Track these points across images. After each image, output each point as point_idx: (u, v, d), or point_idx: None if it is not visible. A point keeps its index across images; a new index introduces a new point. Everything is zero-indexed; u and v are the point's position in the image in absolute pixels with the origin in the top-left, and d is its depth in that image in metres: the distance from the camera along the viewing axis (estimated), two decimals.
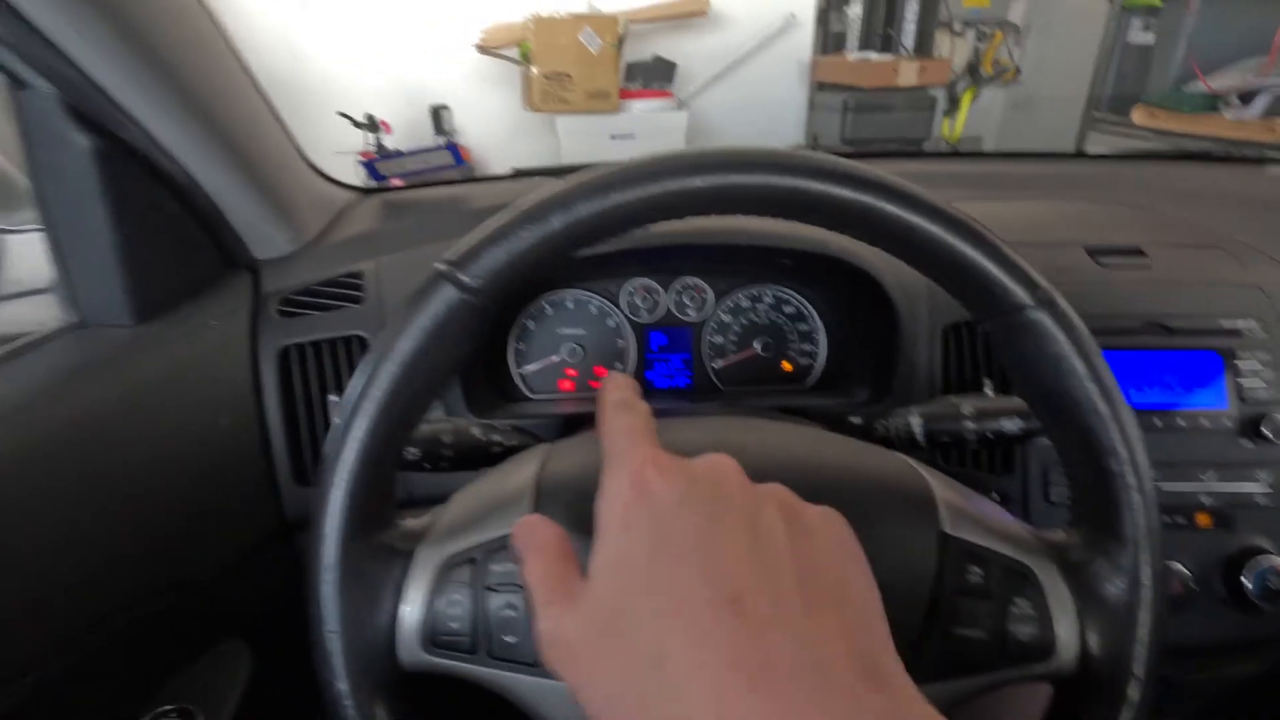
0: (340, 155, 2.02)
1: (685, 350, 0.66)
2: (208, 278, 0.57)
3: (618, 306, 0.65)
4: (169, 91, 0.47)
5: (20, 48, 0.41)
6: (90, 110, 0.45)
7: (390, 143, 2.31)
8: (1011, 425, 0.44)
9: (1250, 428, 0.54)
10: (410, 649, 0.29)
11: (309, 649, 0.28)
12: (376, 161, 2.21)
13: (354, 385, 0.28)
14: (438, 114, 2.46)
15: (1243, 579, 0.52)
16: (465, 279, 0.28)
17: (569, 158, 2.46)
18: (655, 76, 2.51)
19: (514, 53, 2.37)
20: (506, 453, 0.45)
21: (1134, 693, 0.27)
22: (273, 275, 0.60)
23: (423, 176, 2.25)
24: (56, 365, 0.46)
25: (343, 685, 0.27)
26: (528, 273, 0.29)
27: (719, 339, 0.65)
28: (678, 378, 0.66)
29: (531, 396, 0.65)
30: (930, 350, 0.56)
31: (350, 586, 0.28)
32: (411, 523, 0.32)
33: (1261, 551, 0.52)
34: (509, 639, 0.28)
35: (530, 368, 0.65)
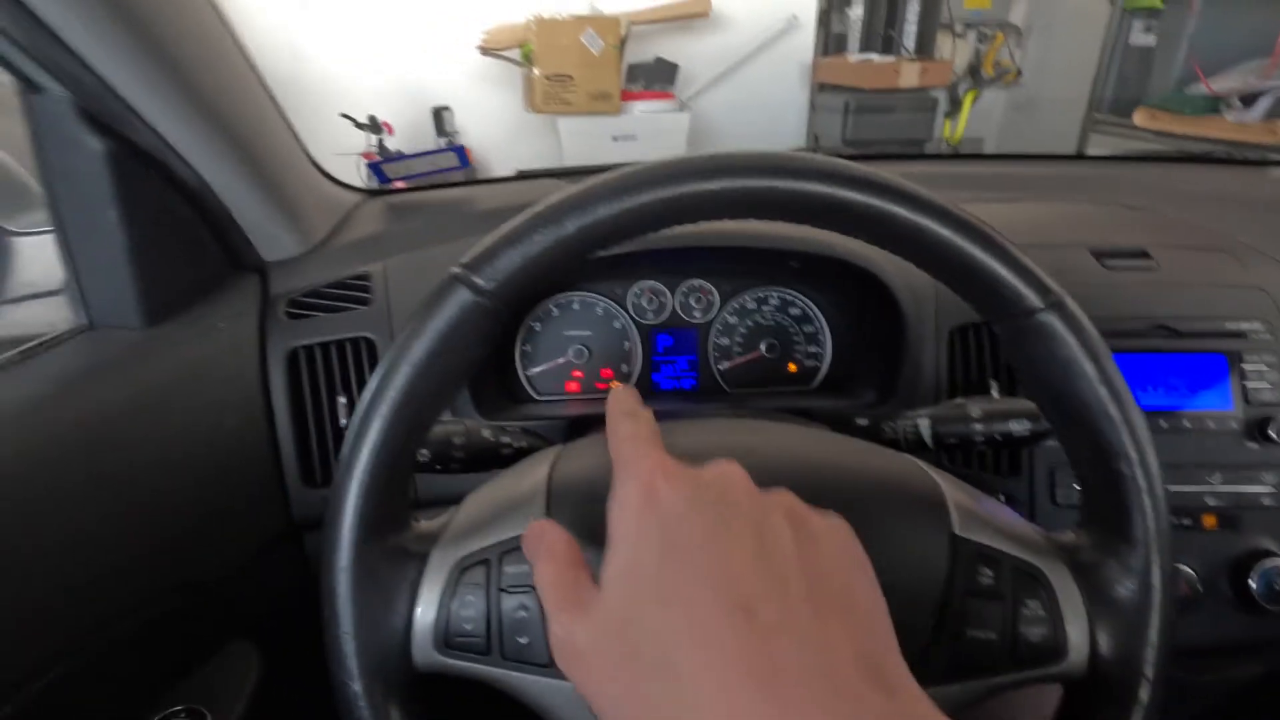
0: (342, 157, 2.03)
1: (691, 352, 0.66)
2: (216, 280, 0.57)
3: (624, 308, 0.65)
4: (181, 94, 0.47)
5: (35, 51, 0.41)
6: (102, 113, 0.46)
7: (391, 144, 2.31)
8: (1020, 427, 0.44)
9: (1256, 429, 0.54)
10: (424, 650, 0.29)
11: (321, 650, 0.28)
12: (383, 163, 2.22)
13: (368, 388, 0.28)
14: (439, 115, 2.47)
15: (1249, 581, 0.52)
16: (479, 282, 0.28)
17: (571, 159, 2.47)
18: (657, 78, 2.51)
19: (516, 54, 2.38)
20: (516, 454, 0.45)
21: (1144, 694, 0.27)
22: (281, 277, 0.60)
23: (428, 178, 2.25)
24: (66, 367, 0.46)
25: (357, 687, 0.28)
26: (542, 276, 0.29)
27: (725, 340, 0.66)
28: (683, 379, 0.66)
29: (538, 398, 0.65)
30: (936, 352, 0.56)
31: (364, 588, 0.28)
32: (425, 524, 0.32)
33: (1268, 553, 0.52)
34: (522, 640, 0.29)
35: (537, 370, 0.65)
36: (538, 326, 0.64)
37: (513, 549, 0.30)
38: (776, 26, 2.62)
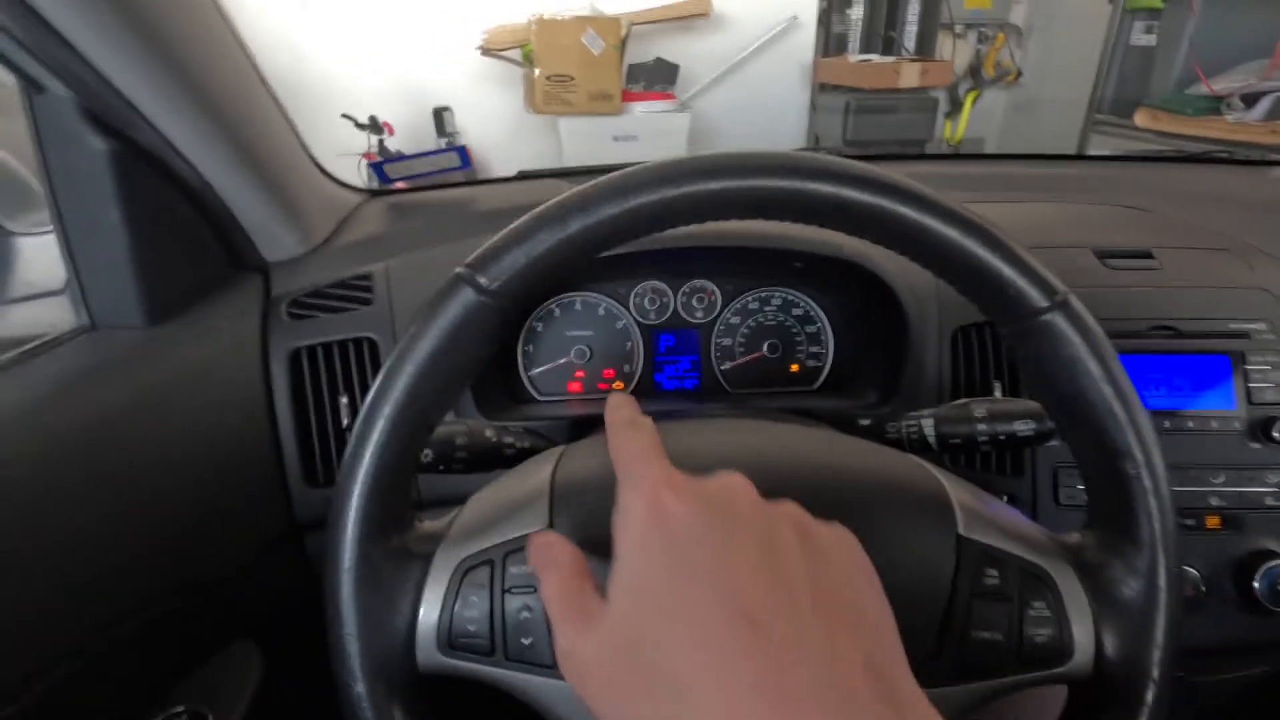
0: (344, 157, 2.03)
1: (693, 352, 0.66)
2: (218, 280, 0.57)
3: (626, 308, 0.65)
4: (184, 94, 0.47)
5: (38, 50, 0.41)
6: (105, 113, 0.46)
7: (392, 144, 2.31)
8: (1024, 427, 0.44)
9: (1259, 430, 0.54)
10: (428, 651, 0.29)
11: (324, 651, 0.28)
12: (384, 164, 2.22)
13: (372, 388, 0.28)
14: (440, 115, 2.46)
15: (1253, 581, 0.52)
16: (484, 282, 0.28)
17: (571, 159, 2.47)
18: (657, 78, 2.51)
19: (516, 54, 2.38)
20: (519, 454, 0.45)
21: (1150, 695, 0.27)
22: (283, 277, 0.60)
23: (430, 179, 2.25)
24: (68, 367, 0.46)
25: (360, 688, 0.28)
26: (546, 276, 0.29)
27: (727, 341, 0.66)
28: (685, 379, 0.66)
29: (540, 398, 0.65)
30: (939, 352, 0.56)
31: (368, 589, 0.28)
32: (428, 525, 0.32)
33: (1272, 554, 0.52)
34: (526, 641, 0.28)
35: (539, 370, 0.65)
36: (540, 327, 0.64)
37: (516, 549, 0.29)
38: (777, 27, 2.62)
